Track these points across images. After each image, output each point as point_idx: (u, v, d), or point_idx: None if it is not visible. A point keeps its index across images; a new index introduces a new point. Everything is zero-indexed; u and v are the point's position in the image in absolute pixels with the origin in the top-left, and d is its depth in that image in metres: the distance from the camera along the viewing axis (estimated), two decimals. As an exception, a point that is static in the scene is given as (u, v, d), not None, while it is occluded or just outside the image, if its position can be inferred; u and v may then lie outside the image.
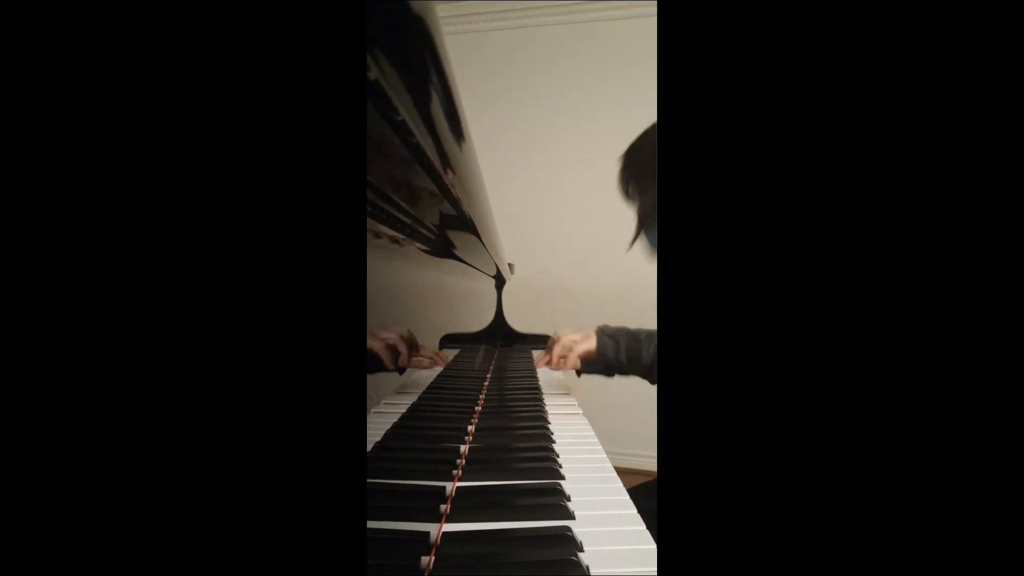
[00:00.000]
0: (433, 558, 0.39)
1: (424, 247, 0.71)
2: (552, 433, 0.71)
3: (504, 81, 2.25)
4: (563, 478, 0.55)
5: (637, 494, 0.53)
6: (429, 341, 0.83)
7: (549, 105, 2.22)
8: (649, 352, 0.90)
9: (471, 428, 0.72)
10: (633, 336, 0.90)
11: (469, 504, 0.48)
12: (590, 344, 0.91)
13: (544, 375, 1.13)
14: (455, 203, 0.53)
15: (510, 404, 0.87)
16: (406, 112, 0.27)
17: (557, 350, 0.92)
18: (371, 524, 0.42)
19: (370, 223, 0.46)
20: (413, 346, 0.65)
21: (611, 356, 0.88)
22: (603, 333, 0.91)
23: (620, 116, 2.13)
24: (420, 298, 0.75)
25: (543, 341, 1.49)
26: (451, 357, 0.97)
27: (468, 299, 1.17)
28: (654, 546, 0.42)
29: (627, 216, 0.86)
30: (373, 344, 0.52)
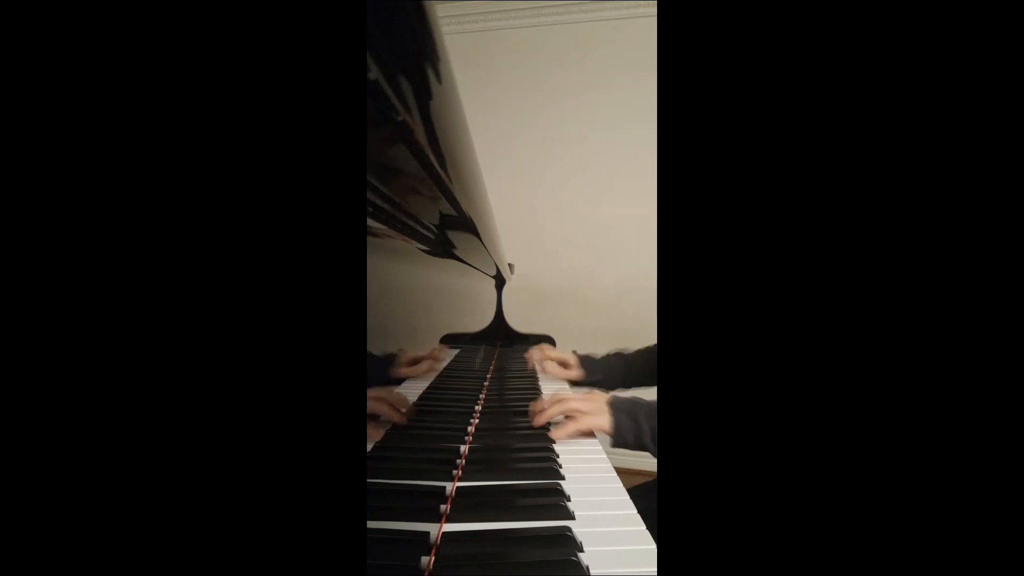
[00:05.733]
0: (433, 558, 0.38)
1: (424, 247, 0.71)
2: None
3: (504, 81, 2.24)
4: (563, 478, 0.55)
5: (637, 494, 0.53)
6: (429, 341, 0.83)
7: (549, 104, 2.22)
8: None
9: (471, 428, 0.72)
10: (651, 410, 0.72)
11: (469, 504, 0.48)
12: (600, 421, 0.70)
13: (544, 376, 1.13)
14: (455, 203, 0.53)
15: (510, 404, 0.87)
16: (406, 112, 0.27)
17: (553, 411, 0.73)
18: (371, 524, 0.42)
19: (370, 223, 0.46)
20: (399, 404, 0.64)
21: (631, 439, 0.70)
22: (617, 408, 0.71)
23: (620, 116, 2.14)
24: (420, 298, 0.75)
25: (543, 341, 1.49)
26: (450, 356, 0.97)
27: (468, 299, 1.17)
28: (654, 546, 0.42)
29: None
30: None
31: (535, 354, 1.17)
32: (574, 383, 1.12)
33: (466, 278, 1.09)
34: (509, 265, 1.52)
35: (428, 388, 0.81)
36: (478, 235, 0.75)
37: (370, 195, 0.43)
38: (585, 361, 1.14)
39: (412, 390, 0.77)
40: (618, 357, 1.15)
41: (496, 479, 0.54)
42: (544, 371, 1.13)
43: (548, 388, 1.02)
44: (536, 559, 0.39)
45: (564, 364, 1.13)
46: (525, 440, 0.69)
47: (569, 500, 0.50)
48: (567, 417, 0.72)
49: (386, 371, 0.59)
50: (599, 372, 1.13)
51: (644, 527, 0.45)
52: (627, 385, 1.12)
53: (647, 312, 2.06)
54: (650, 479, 0.90)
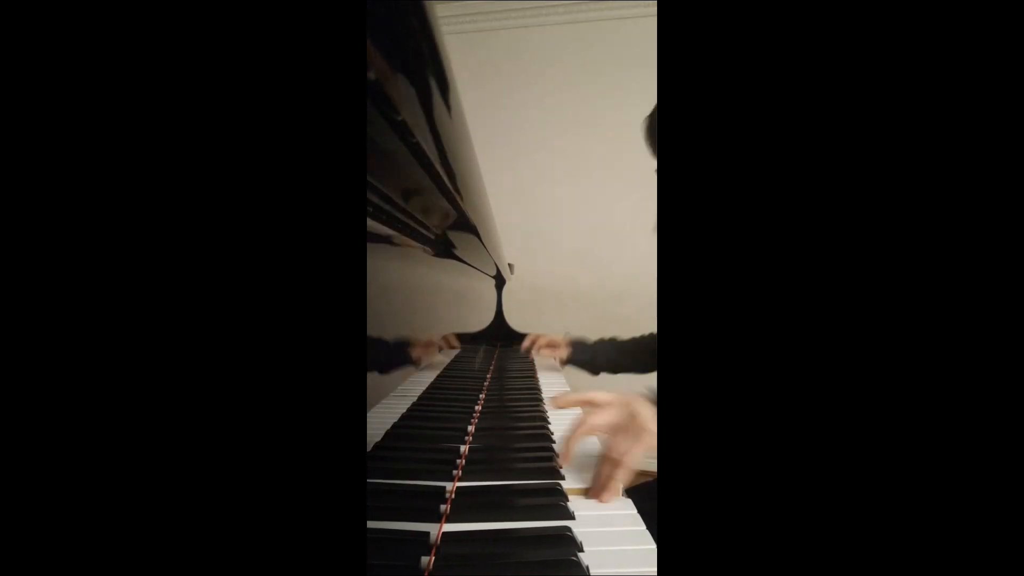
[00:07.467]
0: (433, 558, 0.38)
1: (424, 247, 0.71)
2: (552, 433, 0.71)
3: (504, 81, 2.24)
4: (563, 478, 0.55)
5: (637, 494, 0.53)
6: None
7: (549, 105, 2.22)
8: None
9: (471, 428, 0.72)
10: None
11: (469, 504, 0.48)
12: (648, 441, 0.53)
13: (543, 373, 1.13)
14: (455, 203, 0.53)
15: (510, 404, 0.87)
16: (406, 112, 0.27)
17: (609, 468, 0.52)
18: (371, 524, 0.42)
19: (370, 223, 0.46)
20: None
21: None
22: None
23: (620, 116, 2.13)
24: (420, 298, 0.74)
25: None
26: (454, 352, 0.97)
27: (468, 299, 1.17)
28: (654, 546, 0.42)
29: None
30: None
31: (527, 343, 1.30)
32: (564, 362, 1.23)
33: (466, 278, 1.09)
34: (509, 265, 1.52)
35: (428, 388, 0.81)
36: (478, 235, 0.75)
37: (370, 195, 0.43)
38: (576, 344, 1.23)
39: (412, 389, 0.77)
40: (611, 343, 1.22)
41: (496, 479, 0.54)
42: (538, 353, 1.27)
43: (547, 384, 1.02)
44: (536, 559, 0.39)
45: (553, 345, 1.25)
46: (525, 440, 0.69)
47: (569, 500, 0.50)
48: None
49: (400, 354, 0.59)
50: (588, 353, 1.22)
51: (644, 527, 0.45)
52: (615, 371, 1.20)
53: (647, 312, 2.05)
54: (650, 479, 0.89)
